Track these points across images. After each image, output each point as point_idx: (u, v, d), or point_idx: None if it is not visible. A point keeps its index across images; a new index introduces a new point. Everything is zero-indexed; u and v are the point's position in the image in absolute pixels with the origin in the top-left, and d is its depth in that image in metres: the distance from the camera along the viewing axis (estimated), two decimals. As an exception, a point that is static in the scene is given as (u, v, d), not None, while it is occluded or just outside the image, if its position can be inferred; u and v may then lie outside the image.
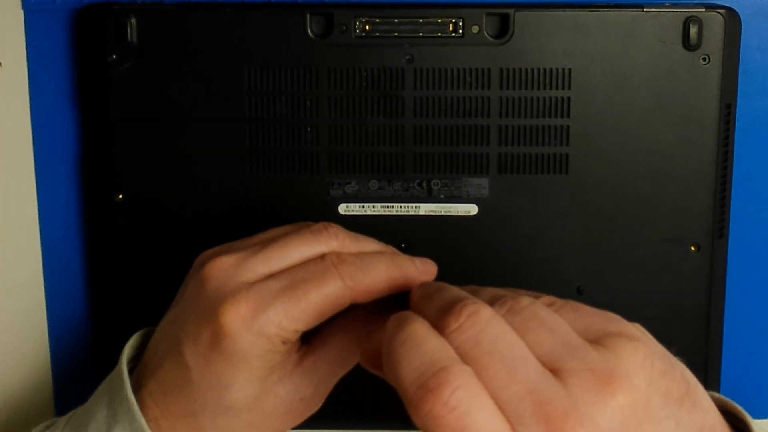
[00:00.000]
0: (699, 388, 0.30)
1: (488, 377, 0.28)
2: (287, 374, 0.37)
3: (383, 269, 0.36)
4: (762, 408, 0.49)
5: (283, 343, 0.35)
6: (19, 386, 0.49)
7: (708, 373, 0.47)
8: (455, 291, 0.32)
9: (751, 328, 0.49)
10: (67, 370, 0.49)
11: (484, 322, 0.29)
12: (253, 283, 0.35)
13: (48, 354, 0.49)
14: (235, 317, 0.34)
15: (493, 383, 0.27)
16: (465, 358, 0.28)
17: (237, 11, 0.44)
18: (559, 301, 0.31)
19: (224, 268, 0.36)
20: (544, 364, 0.28)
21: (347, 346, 0.37)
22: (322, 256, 0.36)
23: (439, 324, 0.29)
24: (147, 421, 0.36)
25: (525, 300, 0.30)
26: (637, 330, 0.30)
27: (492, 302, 0.30)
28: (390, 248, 0.39)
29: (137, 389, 0.37)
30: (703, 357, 0.47)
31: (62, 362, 0.49)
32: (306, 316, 0.35)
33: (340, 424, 0.47)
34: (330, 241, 0.37)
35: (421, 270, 0.37)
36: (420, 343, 0.28)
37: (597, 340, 0.29)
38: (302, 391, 0.37)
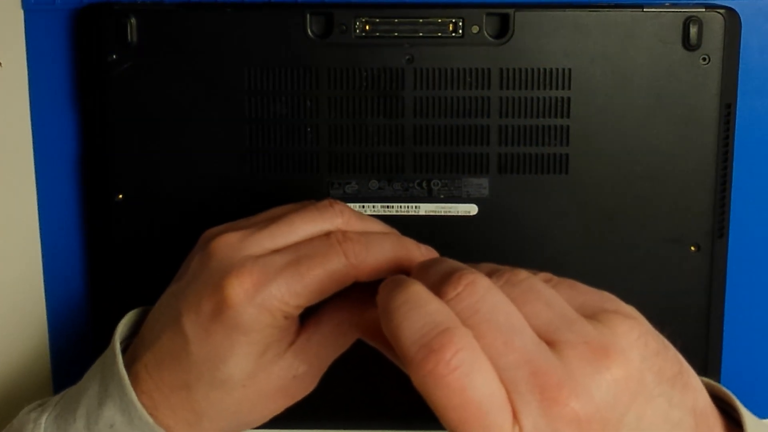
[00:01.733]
0: (691, 370, 0.31)
1: (485, 345, 0.28)
2: (282, 352, 0.37)
3: (388, 248, 0.36)
4: (762, 408, 0.49)
5: (285, 318, 0.36)
6: (18, 385, 0.49)
7: (708, 373, 0.47)
8: (453, 262, 0.32)
9: (751, 328, 0.49)
10: (67, 369, 0.49)
11: (482, 291, 0.29)
12: (258, 257, 0.35)
13: (48, 353, 0.49)
14: (239, 289, 0.35)
15: (490, 351, 0.28)
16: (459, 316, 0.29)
17: (237, 11, 0.44)
18: (556, 278, 0.32)
19: (230, 243, 0.36)
20: (540, 335, 0.28)
21: (341, 326, 0.38)
22: (327, 234, 0.36)
23: (437, 292, 0.29)
24: (140, 394, 0.37)
25: (522, 273, 0.30)
26: (632, 310, 0.31)
27: (490, 275, 0.30)
28: (393, 230, 0.39)
29: (130, 363, 0.38)
30: (703, 357, 0.47)
31: (62, 361, 0.49)
32: (308, 292, 0.35)
33: (341, 423, 0.47)
34: (335, 218, 0.37)
35: (424, 254, 0.37)
36: (422, 305, 0.29)
37: (593, 315, 0.30)
38: (295, 369, 0.37)
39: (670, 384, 0.29)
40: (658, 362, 0.29)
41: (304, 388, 0.38)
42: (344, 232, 0.36)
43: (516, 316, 0.29)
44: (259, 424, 0.39)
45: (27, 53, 0.46)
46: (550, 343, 0.28)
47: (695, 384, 0.31)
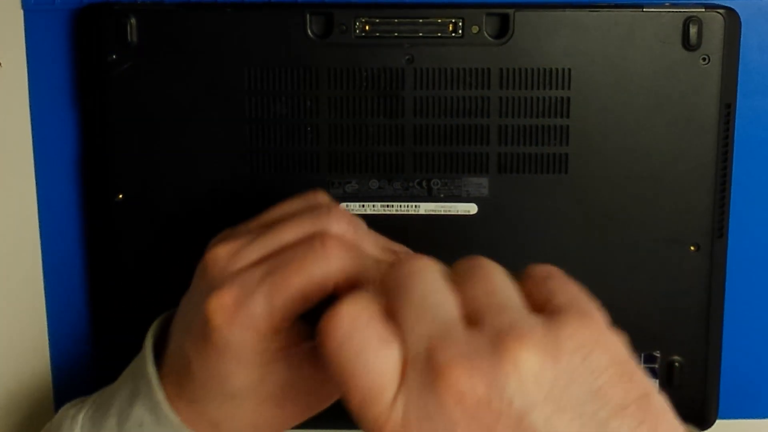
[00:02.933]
0: (666, 414, 0.27)
1: (400, 317, 0.28)
2: (287, 356, 0.35)
3: (371, 248, 0.35)
4: (762, 408, 0.49)
5: (274, 332, 0.34)
6: (18, 386, 0.49)
7: (708, 373, 0.47)
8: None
9: (751, 328, 0.49)
10: (67, 370, 0.49)
11: (415, 267, 0.29)
12: (239, 273, 0.34)
13: (48, 354, 0.49)
14: (219, 310, 0.33)
15: (401, 323, 0.28)
16: (385, 290, 0.29)
17: (237, 11, 0.44)
18: (549, 272, 0.30)
19: (220, 257, 0.35)
20: (469, 318, 0.28)
21: None
22: (310, 237, 0.34)
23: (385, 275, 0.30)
24: (168, 397, 0.36)
25: (483, 261, 0.30)
26: (597, 325, 0.28)
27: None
28: (391, 255, 0.37)
29: (159, 367, 0.37)
30: (703, 357, 0.47)
31: (62, 362, 0.49)
32: (291, 303, 0.33)
33: (341, 424, 0.47)
34: (328, 222, 0.35)
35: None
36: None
37: (551, 312, 0.28)
38: (307, 369, 0.35)
39: (613, 411, 0.26)
40: (599, 380, 0.26)
41: (327, 392, 0.36)
42: (324, 234, 0.34)
43: (439, 295, 0.28)
44: (293, 424, 0.37)
45: (27, 53, 0.46)
46: (474, 326, 0.27)
47: (665, 429, 0.27)
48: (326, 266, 0.33)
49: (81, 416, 0.39)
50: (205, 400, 0.36)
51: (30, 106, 0.47)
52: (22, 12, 0.46)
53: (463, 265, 0.30)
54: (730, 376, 0.48)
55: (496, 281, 0.29)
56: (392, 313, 0.28)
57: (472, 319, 0.28)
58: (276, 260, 0.34)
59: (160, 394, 0.36)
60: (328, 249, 0.33)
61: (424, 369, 0.26)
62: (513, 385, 0.26)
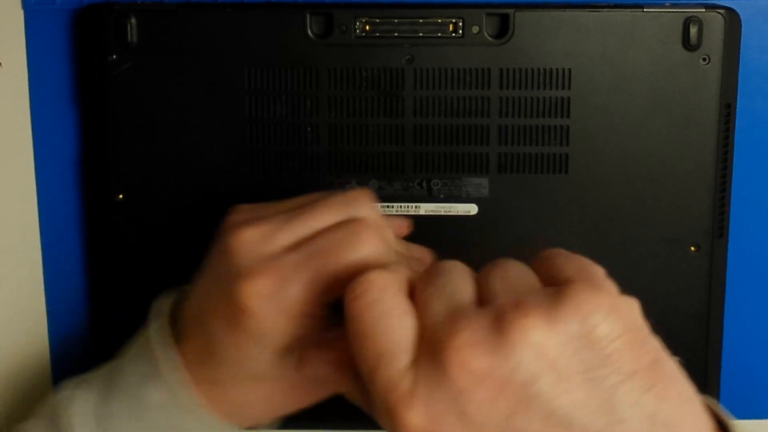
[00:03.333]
0: (679, 379, 0.28)
1: (423, 295, 0.30)
2: (311, 345, 0.35)
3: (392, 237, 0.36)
4: (762, 408, 0.49)
5: (306, 318, 0.34)
6: (19, 385, 0.49)
7: (708, 373, 0.47)
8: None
9: (751, 328, 0.49)
10: (67, 370, 0.49)
11: (449, 264, 0.32)
12: (273, 257, 0.34)
13: (48, 353, 0.49)
14: (255, 295, 0.33)
15: (423, 300, 0.30)
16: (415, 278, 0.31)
17: (237, 11, 0.44)
18: (558, 253, 0.32)
19: (249, 240, 0.35)
20: (482, 300, 0.30)
21: None
22: (347, 222, 0.35)
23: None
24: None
25: (505, 259, 0.32)
26: (607, 293, 0.29)
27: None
28: (406, 247, 0.39)
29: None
30: (703, 357, 0.47)
31: (62, 361, 0.49)
32: (328, 290, 0.33)
33: (342, 424, 0.47)
34: (359, 210, 0.36)
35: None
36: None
37: (560, 284, 0.29)
38: (328, 360, 0.35)
39: (624, 376, 0.27)
40: (609, 347, 0.27)
41: (339, 378, 0.36)
42: (363, 218, 0.35)
43: (458, 283, 0.30)
44: (304, 406, 0.38)
45: (27, 53, 0.46)
46: (485, 306, 0.29)
47: (676, 394, 0.28)
48: (364, 251, 0.34)
49: (80, 396, 0.38)
50: (230, 383, 0.36)
51: (30, 106, 0.47)
52: (22, 12, 0.46)
53: (486, 265, 0.32)
54: (730, 376, 0.48)
55: (510, 268, 0.31)
56: (416, 294, 0.30)
57: (485, 301, 0.29)
58: (312, 245, 0.34)
59: (185, 376, 0.36)
60: (364, 234, 0.34)
61: (433, 341, 0.28)
62: (517, 354, 0.27)
